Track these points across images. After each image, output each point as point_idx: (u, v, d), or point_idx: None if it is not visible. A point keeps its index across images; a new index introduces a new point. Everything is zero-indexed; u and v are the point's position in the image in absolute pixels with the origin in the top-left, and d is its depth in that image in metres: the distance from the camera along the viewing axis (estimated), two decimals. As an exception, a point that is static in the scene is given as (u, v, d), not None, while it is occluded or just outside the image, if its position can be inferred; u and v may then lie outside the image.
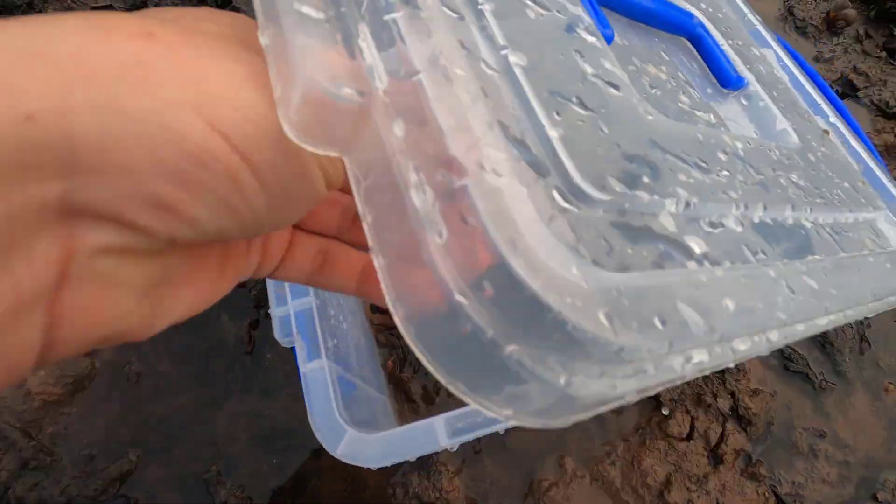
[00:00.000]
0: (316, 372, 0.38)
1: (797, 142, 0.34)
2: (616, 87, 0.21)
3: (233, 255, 0.20)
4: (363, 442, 0.35)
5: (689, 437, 0.63)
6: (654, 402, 0.64)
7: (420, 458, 0.62)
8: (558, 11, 0.22)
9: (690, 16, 0.37)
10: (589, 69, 0.21)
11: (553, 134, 0.16)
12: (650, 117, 0.22)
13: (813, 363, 0.68)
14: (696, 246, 0.18)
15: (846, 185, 0.34)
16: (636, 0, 0.34)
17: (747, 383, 0.66)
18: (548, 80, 0.17)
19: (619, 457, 0.62)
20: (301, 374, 0.38)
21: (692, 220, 0.19)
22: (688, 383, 0.64)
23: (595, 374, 0.12)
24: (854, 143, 0.43)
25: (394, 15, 0.13)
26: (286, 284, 0.41)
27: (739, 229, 0.22)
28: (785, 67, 0.44)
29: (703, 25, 0.37)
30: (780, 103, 0.37)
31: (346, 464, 0.62)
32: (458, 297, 0.11)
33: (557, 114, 0.16)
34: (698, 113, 0.31)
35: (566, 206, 0.14)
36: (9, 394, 0.60)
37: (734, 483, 0.60)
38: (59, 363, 0.13)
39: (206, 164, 0.13)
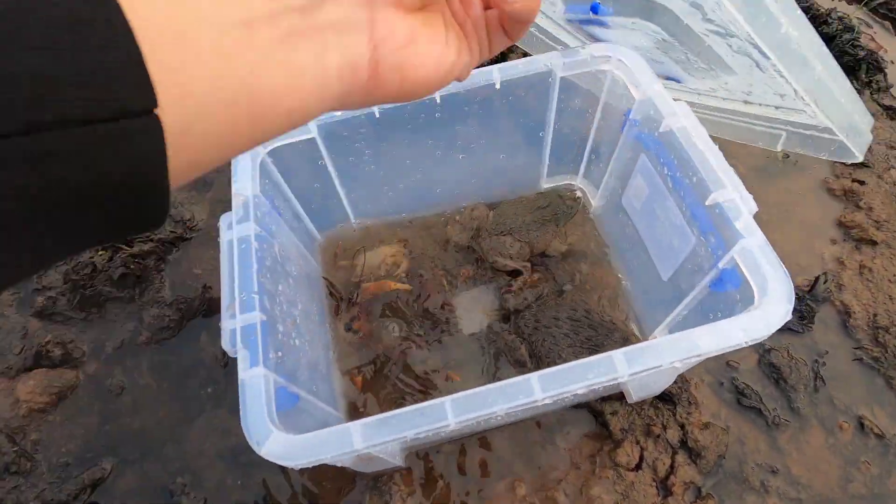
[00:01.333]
0: (253, 378, 0.42)
1: None
2: None
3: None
4: (285, 442, 0.39)
5: (638, 467, 0.64)
6: (606, 430, 0.66)
7: (376, 479, 0.65)
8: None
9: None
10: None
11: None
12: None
13: (766, 399, 0.69)
14: None
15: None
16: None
17: (699, 416, 0.67)
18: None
19: (569, 483, 0.63)
20: (239, 381, 0.42)
21: None
22: (637, 413, 0.66)
23: None
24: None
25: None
26: (237, 300, 0.46)
27: None
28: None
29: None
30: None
31: (308, 482, 0.65)
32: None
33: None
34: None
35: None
36: (0, 402, 0.66)
37: (682, 515, 0.61)
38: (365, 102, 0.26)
39: None
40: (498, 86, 0.60)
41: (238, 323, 0.45)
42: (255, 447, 0.39)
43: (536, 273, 0.73)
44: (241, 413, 0.40)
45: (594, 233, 0.78)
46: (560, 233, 0.75)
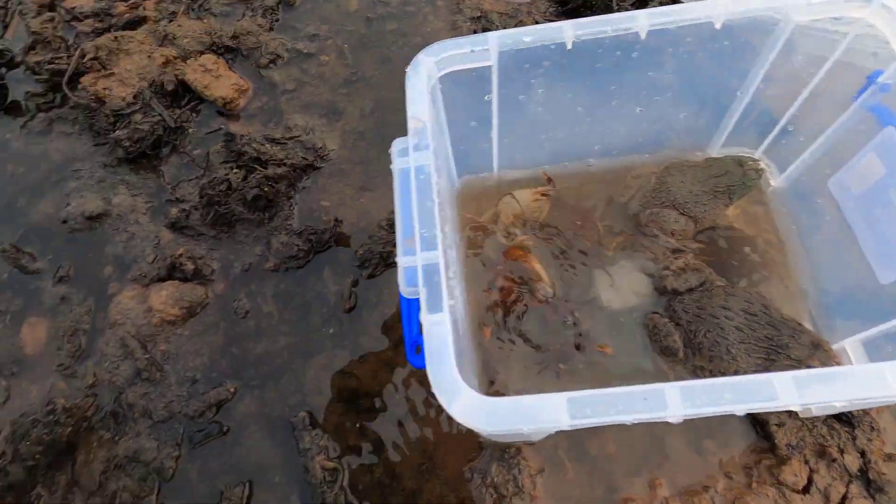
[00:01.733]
0: (438, 325, 0.37)
1: None
2: None
3: None
4: (480, 403, 0.34)
5: (806, 490, 0.56)
6: (768, 443, 0.58)
7: (503, 450, 0.60)
8: None
9: None
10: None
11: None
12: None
13: (970, 438, 0.58)
14: None
15: None
16: None
17: (881, 444, 0.57)
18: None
19: (719, 493, 0.56)
20: (422, 326, 0.37)
21: None
22: (808, 430, 0.57)
23: None
24: None
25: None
26: (416, 235, 0.41)
27: None
28: None
29: None
30: None
31: (427, 439, 0.61)
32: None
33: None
34: None
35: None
36: (133, 307, 0.66)
37: (854, 553, 0.53)
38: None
39: None
40: (718, 25, 0.49)
41: (419, 261, 0.39)
42: (443, 404, 0.34)
43: (701, 254, 0.64)
44: (427, 364, 0.35)
45: (771, 216, 0.67)
46: (732, 208, 0.65)
